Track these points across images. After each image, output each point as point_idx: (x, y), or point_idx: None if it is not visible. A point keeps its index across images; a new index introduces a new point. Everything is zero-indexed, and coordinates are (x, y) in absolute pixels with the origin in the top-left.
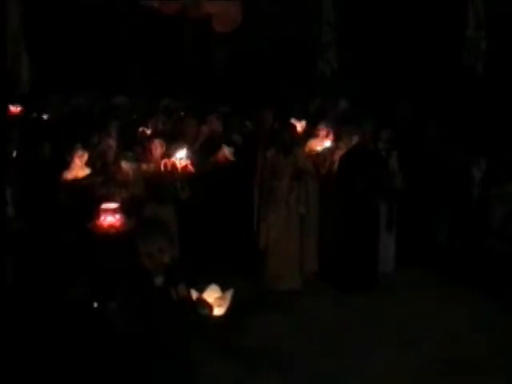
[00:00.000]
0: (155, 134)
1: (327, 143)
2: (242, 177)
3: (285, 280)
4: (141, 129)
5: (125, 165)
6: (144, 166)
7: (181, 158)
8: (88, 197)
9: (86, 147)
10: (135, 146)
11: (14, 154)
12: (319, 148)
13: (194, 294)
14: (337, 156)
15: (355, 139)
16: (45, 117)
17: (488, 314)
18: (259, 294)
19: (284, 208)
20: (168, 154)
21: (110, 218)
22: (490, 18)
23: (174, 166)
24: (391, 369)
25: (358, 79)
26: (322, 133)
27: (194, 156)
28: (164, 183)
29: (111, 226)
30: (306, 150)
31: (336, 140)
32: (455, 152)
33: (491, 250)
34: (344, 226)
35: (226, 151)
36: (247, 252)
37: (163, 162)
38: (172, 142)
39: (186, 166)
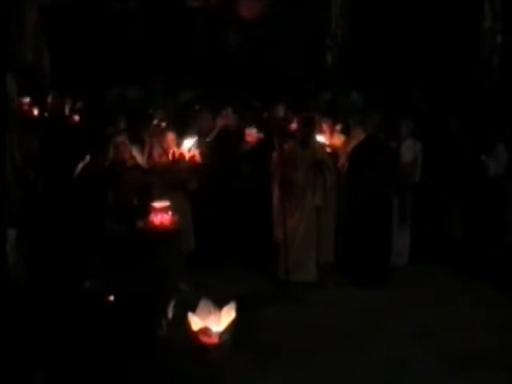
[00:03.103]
0: (168, 127)
1: (338, 138)
2: (258, 169)
3: (300, 272)
4: (155, 121)
5: (135, 153)
6: (157, 159)
7: (189, 148)
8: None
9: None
10: (148, 139)
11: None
12: (330, 142)
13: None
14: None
15: (366, 131)
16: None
17: (502, 310)
18: (274, 285)
19: (301, 200)
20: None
21: (161, 216)
22: (507, 11)
23: (181, 155)
24: (404, 363)
25: (370, 69)
26: (334, 127)
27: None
28: (172, 173)
29: (162, 224)
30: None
31: (345, 133)
32: (470, 144)
33: (508, 244)
34: (355, 218)
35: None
36: (263, 243)
37: (171, 151)
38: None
39: (193, 156)
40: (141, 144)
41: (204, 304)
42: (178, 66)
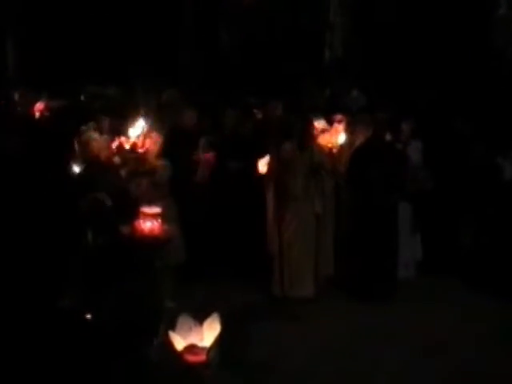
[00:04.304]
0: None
1: (341, 138)
2: (252, 173)
3: (297, 287)
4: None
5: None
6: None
7: (137, 136)
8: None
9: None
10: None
11: None
12: (333, 143)
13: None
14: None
15: (370, 131)
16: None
17: None
18: (269, 301)
19: (298, 208)
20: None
21: (151, 222)
22: None
23: (120, 146)
24: (410, 381)
25: (372, 64)
26: (337, 126)
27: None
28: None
29: (151, 232)
30: (319, 144)
31: (350, 133)
32: (483, 147)
33: None
34: (357, 226)
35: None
36: (258, 256)
37: (117, 141)
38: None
39: (135, 144)
40: None
41: (183, 320)
42: (163, 61)
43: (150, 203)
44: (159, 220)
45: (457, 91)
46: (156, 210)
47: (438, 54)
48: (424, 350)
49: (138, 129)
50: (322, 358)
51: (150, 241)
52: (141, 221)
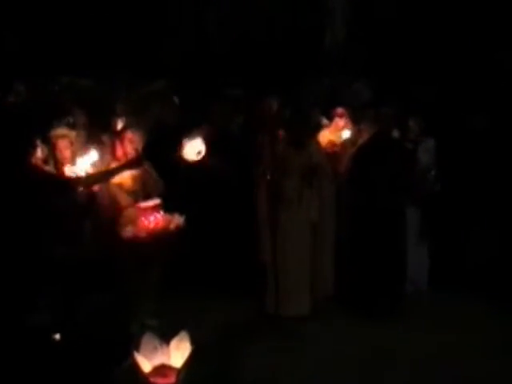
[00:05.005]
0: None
1: (346, 133)
2: (243, 176)
3: (291, 304)
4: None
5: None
6: (113, 165)
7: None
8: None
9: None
10: (109, 140)
11: None
12: (334, 140)
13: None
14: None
15: (375, 128)
16: None
17: None
18: (260, 319)
19: (293, 215)
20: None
21: (152, 217)
22: None
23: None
24: None
25: (374, 58)
26: (339, 121)
27: None
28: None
29: (156, 226)
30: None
31: (356, 132)
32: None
33: None
34: (360, 235)
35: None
36: (248, 268)
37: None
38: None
39: (78, 178)
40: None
41: (147, 339)
42: (146, 51)
43: (145, 197)
44: (161, 211)
45: (461, 86)
46: (155, 201)
47: (441, 47)
48: (428, 367)
49: (88, 158)
50: (316, 382)
51: (158, 235)
52: (142, 218)
